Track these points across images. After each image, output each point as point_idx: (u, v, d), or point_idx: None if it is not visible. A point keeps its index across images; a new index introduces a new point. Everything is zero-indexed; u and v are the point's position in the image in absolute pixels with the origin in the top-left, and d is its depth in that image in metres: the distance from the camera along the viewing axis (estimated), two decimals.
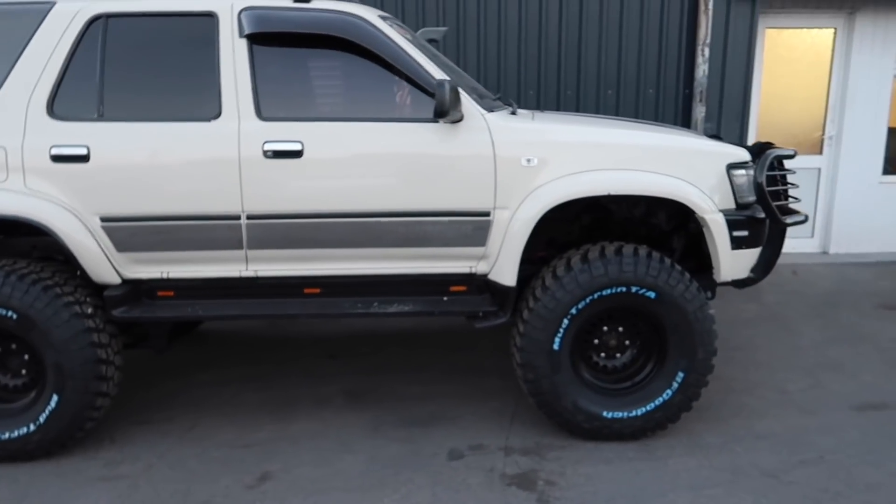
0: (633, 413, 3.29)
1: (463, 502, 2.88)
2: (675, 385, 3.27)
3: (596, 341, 3.38)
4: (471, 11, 5.83)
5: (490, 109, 3.27)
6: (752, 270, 3.58)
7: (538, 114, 3.79)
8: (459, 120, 3.14)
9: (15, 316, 3.06)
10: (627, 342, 3.39)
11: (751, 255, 3.36)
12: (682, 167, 3.22)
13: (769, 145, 3.67)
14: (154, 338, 3.58)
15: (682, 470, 3.10)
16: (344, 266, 3.31)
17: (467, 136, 3.16)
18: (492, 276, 3.29)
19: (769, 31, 6.33)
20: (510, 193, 3.18)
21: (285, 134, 3.12)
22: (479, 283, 3.36)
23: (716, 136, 4.09)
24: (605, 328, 3.37)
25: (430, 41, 4.48)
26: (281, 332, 4.97)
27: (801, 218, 3.40)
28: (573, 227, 3.65)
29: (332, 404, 3.80)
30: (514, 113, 3.36)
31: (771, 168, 3.33)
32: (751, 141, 6.21)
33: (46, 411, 3.15)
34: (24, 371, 3.26)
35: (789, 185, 3.53)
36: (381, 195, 3.18)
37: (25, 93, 3.12)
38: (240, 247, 3.22)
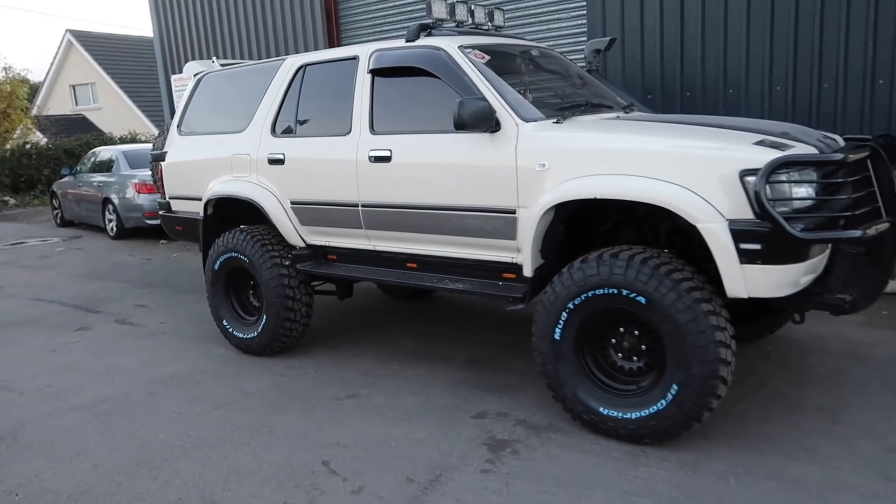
0: (629, 415, 3.31)
1: (439, 441, 3.51)
2: (670, 397, 3.17)
3: (614, 340, 3.47)
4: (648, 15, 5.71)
5: (555, 118, 3.64)
6: (842, 293, 3.15)
7: (588, 119, 3.84)
8: (496, 130, 3.67)
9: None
10: (643, 346, 3.38)
11: (776, 272, 2.96)
12: (681, 173, 3.09)
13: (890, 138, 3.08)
14: (339, 288, 5.02)
15: (643, 478, 3.07)
16: (425, 247, 4.17)
17: (498, 142, 3.66)
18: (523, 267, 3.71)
19: None
20: (528, 194, 3.56)
21: (382, 144, 4.14)
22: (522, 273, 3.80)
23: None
24: (622, 329, 3.43)
25: (595, 51, 4.85)
26: (456, 302, 5.91)
27: (840, 235, 2.84)
28: (631, 228, 3.71)
29: (451, 363, 4.64)
30: (559, 122, 3.66)
31: (792, 173, 2.90)
32: None
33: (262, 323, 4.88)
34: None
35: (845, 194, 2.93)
36: (437, 192, 3.93)
37: (263, 120, 4.85)
38: (360, 226, 4.38)
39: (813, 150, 3.15)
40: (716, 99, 5.81)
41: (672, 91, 6.00)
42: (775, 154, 2.95)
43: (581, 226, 3.81)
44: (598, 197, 3.28)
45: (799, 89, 5.47)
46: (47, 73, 30.18)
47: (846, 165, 2.99)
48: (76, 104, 29.21)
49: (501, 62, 4.24)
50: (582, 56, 6.40)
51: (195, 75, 5.52)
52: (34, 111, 26.32)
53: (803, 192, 3.01)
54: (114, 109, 27.20)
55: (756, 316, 3.93)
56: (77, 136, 21.86)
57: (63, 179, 13.20)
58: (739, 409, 3.69)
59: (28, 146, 19.92)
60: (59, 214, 13.51)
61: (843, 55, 5.27)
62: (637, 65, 6.14)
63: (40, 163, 19.28)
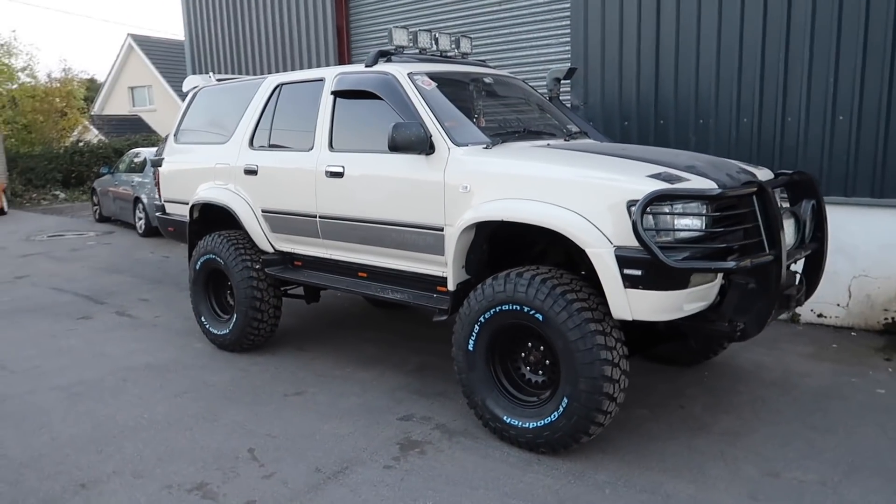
0: (527, 425, 3.54)
1: (359, 438, 3.79)
2: (561, 409, 3.39)
3: (524, 354, 3.70)
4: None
5: (484, 144, 3.92)
6: (731, 320, 3.35)
7: (517, 146, 4.09)
8: (430, 152, 3.95)
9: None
10: (546, 361, 3.60)
11: (657, 297, 3.16)
12: (578, 200, 3.32)
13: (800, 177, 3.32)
14: (306, 292, 5.36)
15: (527, 483, 3.29)
16: (372, 258, 4.47)
17: (432, 164, 3.94)
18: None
19: None
20: (453, 213, 3.83)
21: (337, 160, 4.47)
22: None
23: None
24: (530, 344, 3.66)
25: (556, 79, 5.11)
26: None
27: (711, 265, 3.03)
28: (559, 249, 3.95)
29: (401, 369, 4.92)
30: (487, 147, 3.93)
31: (676, 205, 3.11)
32: None
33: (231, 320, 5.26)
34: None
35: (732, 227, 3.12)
36: (380, 207, 4.24)
37: (242, 133, 5.25)
38: (318, 236, 4.72)
39: (710, 185, 3.34)
40: (687, 128, 5.97)
41: (647, 119, 6.18)
42: (656, 186, 3.16)
43: (516, 245, 4.06)
44: (500, 219, 3.54)
45: (764, 121, 5.59)
46: (108, 75, 31.71)
47: (721, 200, 3.17)
48: (133, 105, 30.58)
49: (454, 88, 4.54)
50: (568, 82, 6.66)
51: (192, 88, 5.98)
52: (94, 110, 27.73)
53: (687, 223, 3.20)
54: (167, 111, 28.40)
55: (665, 339, 4.09)
56: (128, 136, 22.98)
57: (102, 178, 14.01)
58: (648, 427, 3.88)
59: (81, 144, 21.06)
60: (98, 211, 14.32)
61: (806, 91, 5.38)
62: (615, 93, 6.34)
63: (91, 160, 20.38)
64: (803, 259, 3.86)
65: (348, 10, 8.80)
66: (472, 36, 7.28)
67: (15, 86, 23.36)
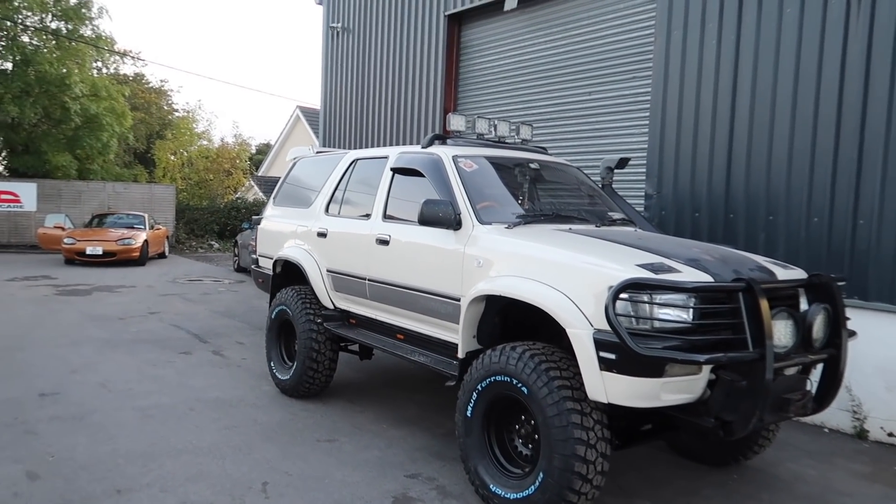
0: (509, 495, 3.64)
1: (362, 487, 4.05)
2: (537, 483, 3.47)
3: (517, 426, 3.83)
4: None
5: (507, 223, 4.23)
6: (717, 416, 3.36)
7: (537, 228, 4.32)
8: (458, 228, 4.29)
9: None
10: (537, 435, 3.70)
11: (631, 383, 3.21)
12: (567, 282, 3.49)
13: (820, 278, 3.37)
14: (361, 349, 5.77)
15: None
16: (407, 322, 4.82)
17: (458, 239, 4.27)
18: None
19: None
20: (469, 286, 4.11)
21: (386, 229, 4.93)
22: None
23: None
24: (523, 417, 3.79)
25: (608, 168, 5.33)
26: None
27: (678, 356, 3.06)
28: None
29: (432, 432, 5.15)
30: (509, 227, 4.20)
31: (652, 296, 3.19)
32: None
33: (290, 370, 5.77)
34: None
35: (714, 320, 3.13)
36: (414, 274, 4.60)
37: (322, 201, 5.88)
38: (367, 297, 5.15)
39: (703, 278, 3.39)
40: (756, 224, 5.85)
41: (717, 212, 6.13)
42: (640, 274, 3.27)
43: (536, 321, 4.24)
44: (499, 294, 3.77)
45: (835, 222, 5.38)
46: (277, 140, 35.31)
47: (703, 293, 3.21)
48: None
49: (501, 172, 4.89)
50: (644, 170, 6.79)
51: (293, 158, 6.78)
52: (261, 171, 30.90)
53: (668, 313, 3.26)
54: None
55: (660, 432, 4.02)
56: None
57: (244, 232, 15.59)
58: None
59: (239, 201, 23.53)
60: (237, 262, 15.89)
61: (879, 192, 5.15)
62: (687, 185, 6.36)
63: (245, 216, 22.66)
64: (821, 367, 3.72)
65: (457, 95, 9.51)
66: (560, 124, 7.69)
67: (194, 147, 26.70)
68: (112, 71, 25.90)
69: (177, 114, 31.69)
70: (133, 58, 29.05)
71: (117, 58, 25.35)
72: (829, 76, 5.48)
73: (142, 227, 17.67)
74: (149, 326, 8.88)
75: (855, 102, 5.33)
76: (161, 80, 33.24)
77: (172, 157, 26.79)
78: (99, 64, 24.43)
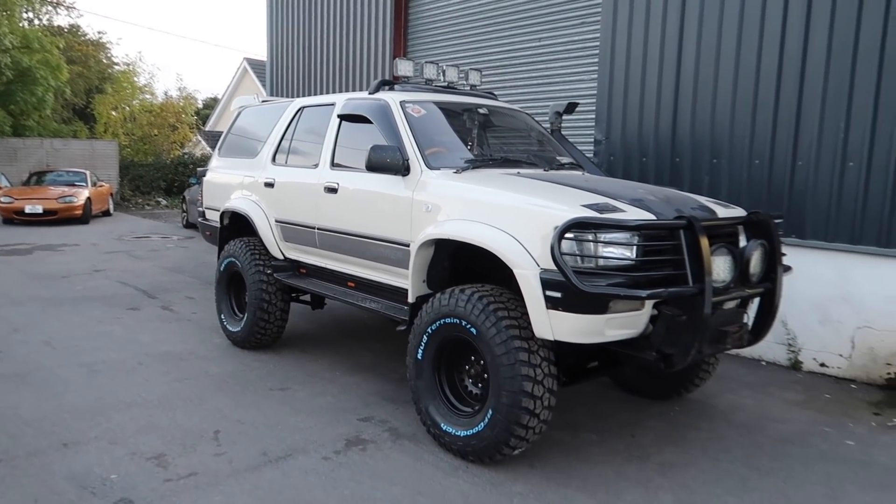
0: (458, 433, 3.72)
1: (315, 432, 4.08)
2: (486, 420, 3.56)
3: (468, 367, 3.90)
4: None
5: (456, 169, 4.20)
6: (659, 349, 3.45)
7: (485, 172, 4.33)
8: (406, 174, 4.26)
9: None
10: (486, 375, 3.78)
11: (576, 320, 3.29)
12: (514, 224, 3.52)
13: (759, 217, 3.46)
14: (312, 299, 5.75)
15: (445, 486, 3.47)
16: (357, 269, 4.81)
17: (406, 185, 4.25)
18: None
19: None
20: (417, 231, 4.11)
21: (334, 177, 4.86)
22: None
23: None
24: (473, 357, 3.85)
25: (556, 113, 5.33)
26: None
27: (620, 292, 3.14)
28: None
29: (386, 377, 5.19)
30: (457, 172, 4.19)
31: (597, 234, 3.25)
32: None
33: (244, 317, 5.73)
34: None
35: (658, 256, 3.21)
36: (363, 222, 4.57)
37: (268, 150, 5.76)
38: (316, 246, 5.11)
39: (646, 217, 3.45)
40: (701, 167, 5.97)
41: (664, 157, 6.22)
42: (585, 214, 3.31)
43: (487, 264, 4.27)
44: (447, 237, 3.78)
45: (776, 165, 5.53)
46: (223, 94, 34.21)
47: (645, 231, 3.28)
48: None
49: (449, 117, 4.85)
50: (593, 116, 6.83)
51: (238, 108, 6.59)
52: (209, 126, 30.00)
53: (613, 251, 3.33)
54: None
55: (605, 368, 4.16)
56: None
57: (192, 187, 15.21)
58: (589, 450, 3.96)
59: (186, 156, 22.86)
60: (185, 217, 15.53)
61: (817, 135, 5.29)
62: (635, 130, 6.42)
63: (193, 172, 22.06)
64: (758, 301, 3.86)
65: (406, 42, 9.33)
66: (510, 70, 7.64)
67: (136, 102, 25.70)
68: (45, 22, 24.55)
69: (117, 67, 30.33)
70: (67, 7, 27.63)
71: (50, 8, 24.04)
72: (771, 28, 5.56)
73: (83, 184, 17.05)
74: (94, 284, 8.66)
75: (795, 54, 5.42)
76: (98, 32, 31.84)
77: (114, 113, 25.76)
78: (30, 14, 23.14)
